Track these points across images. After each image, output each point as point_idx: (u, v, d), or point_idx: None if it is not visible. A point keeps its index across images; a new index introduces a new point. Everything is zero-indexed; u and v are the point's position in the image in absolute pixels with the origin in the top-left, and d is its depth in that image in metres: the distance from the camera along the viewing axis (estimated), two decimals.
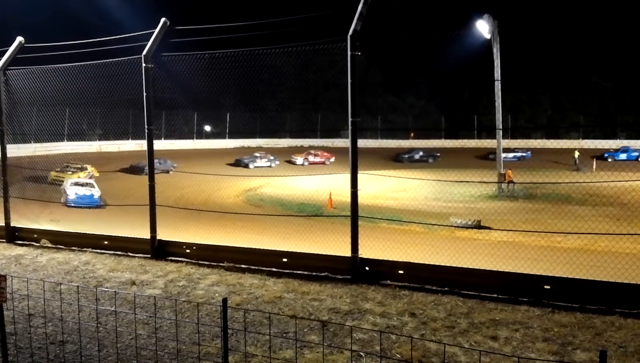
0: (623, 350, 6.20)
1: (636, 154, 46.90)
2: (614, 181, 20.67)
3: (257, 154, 45.61)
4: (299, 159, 47.40)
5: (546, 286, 7.60)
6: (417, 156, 50.01)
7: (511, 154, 49.15)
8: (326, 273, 9.06)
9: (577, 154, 40.89)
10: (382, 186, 28.78)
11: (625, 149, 47.60)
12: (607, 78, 55.31)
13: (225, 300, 4.58)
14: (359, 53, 9.04)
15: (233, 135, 56.31)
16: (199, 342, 6.07)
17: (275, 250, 9.83)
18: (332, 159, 46.61)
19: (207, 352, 5.90)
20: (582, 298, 7.38)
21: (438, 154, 50.69)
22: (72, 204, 23.98)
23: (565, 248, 16.05)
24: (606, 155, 46.84)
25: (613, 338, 6.49)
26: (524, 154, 50.34)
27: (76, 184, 26.23)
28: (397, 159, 49.21)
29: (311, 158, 47.92)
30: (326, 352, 5.86)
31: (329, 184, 25.98)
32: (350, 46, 8.93)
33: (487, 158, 46.41)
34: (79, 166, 32.33)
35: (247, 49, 10.71)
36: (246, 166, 43.32)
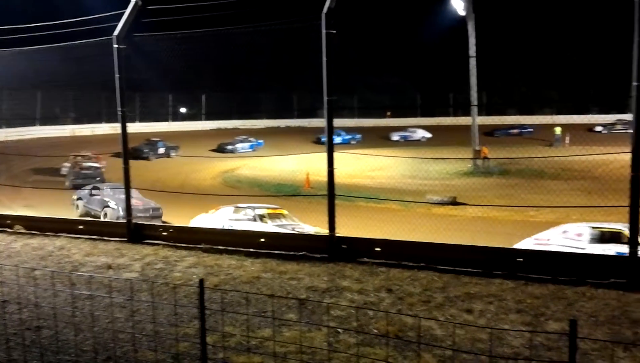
0: (594, 319, 6.37)
1: (349, 137, 46.62)
2: (584, 154, 21.03)
3: None
4: None
5: (519, 259, 7.75)
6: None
7: (246, 145, 44.39)
8: (304, 253, 9.11)
9: (558, 130, 40.96)
10: (359, 166, 28.90)
11: (338, 133, 44.78)
12: (581, 54, 55.82)
13: (201, 281, 4.60)
14: (335, 31, 9.02)
15: (210, 117, 55.75)
16: (177, 323, 6.08)
17: (253, 231, 9.88)
18: (104, 163, 30.56)
19: (186, 333, 5.91)
20: (554, 270, 7.54)
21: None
22: None
23: (539, 222, 16.36)
24: (322, 139, 45.97)
25: (584, 308, 6.66)
26: (257, 143, 45.15)
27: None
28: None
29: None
30: (304, 330, 5.91)
31: (306, 164, 26.02)
32: (325, 24, 8.89)
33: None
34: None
35: (220, 28, 10.59)
36: None
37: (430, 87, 61.95)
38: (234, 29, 10.66)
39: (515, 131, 46.56)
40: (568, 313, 6.44)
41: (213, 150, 41.88)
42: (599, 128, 44.62)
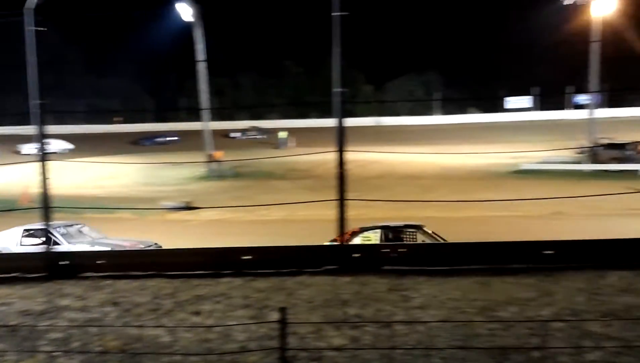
0: (311, 304, 7.00)
1: None
2: (295, 155, 22.98)
3: None
4: None
5: (245, 257, 8.12)
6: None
7: None
8: (17, 274, 8.19)
9: (283, 134, 43.23)
10: (88, 175, 27.05)
11: None
12: (299, 63, 60.87)
13: None
14: (44, 29, 8.32)
15: None
16: None
17: None
18: None
19: None
20: (276, 264, 8.10)
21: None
22: None
23: (270, 220, 17.30)
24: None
25: (303, 296, 7.28)
26: None
27: None
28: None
29: None
30: (15, 359, 5.30)
31: (23, 177, 23.32)
32: (29, 20, 8.15)
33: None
34: None
35: None
36: None
37: (162, 92, 60.93)
38: None
39: (161, 139, 45.26)
40: (289, 302, 6.95)
41: None
42: (235, 134, 47.47)
